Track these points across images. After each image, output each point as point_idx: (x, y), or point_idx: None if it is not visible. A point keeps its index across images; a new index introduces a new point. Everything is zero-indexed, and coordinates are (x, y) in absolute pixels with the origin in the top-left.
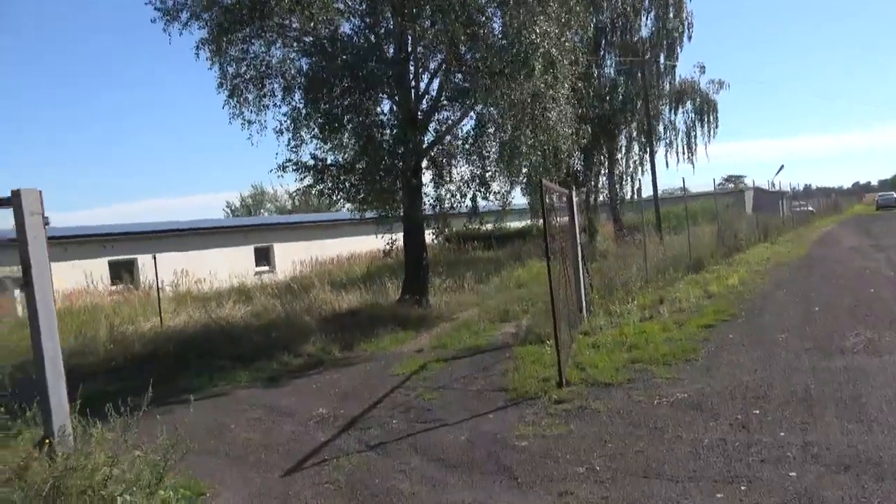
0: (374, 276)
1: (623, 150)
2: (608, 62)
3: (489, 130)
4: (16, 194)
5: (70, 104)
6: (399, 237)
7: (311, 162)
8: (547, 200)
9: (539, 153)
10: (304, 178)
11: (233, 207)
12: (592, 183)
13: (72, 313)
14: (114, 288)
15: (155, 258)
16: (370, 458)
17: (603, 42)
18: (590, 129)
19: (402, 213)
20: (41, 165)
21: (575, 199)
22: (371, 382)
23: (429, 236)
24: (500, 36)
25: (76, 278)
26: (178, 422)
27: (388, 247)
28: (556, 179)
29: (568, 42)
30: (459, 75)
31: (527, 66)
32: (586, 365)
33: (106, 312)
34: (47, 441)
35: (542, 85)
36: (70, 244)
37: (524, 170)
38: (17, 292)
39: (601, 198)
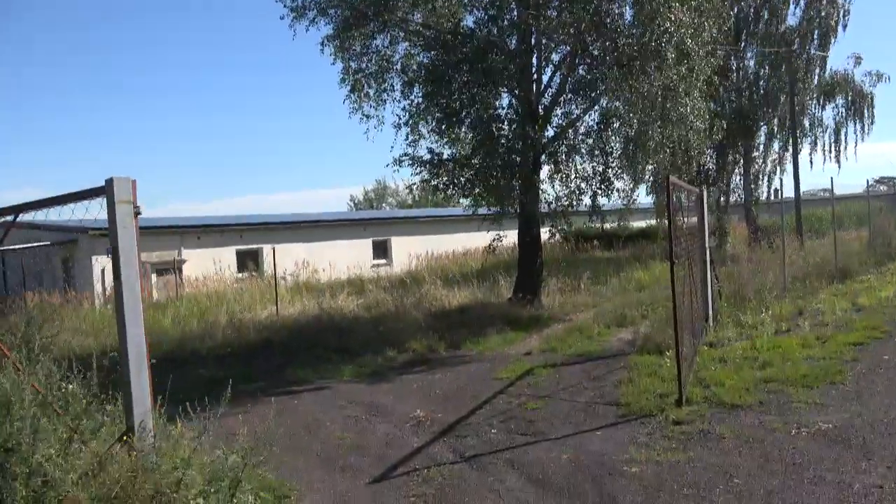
0: (489, 272)
1: (761, 148)
2: (748, 54)
3: (614, 125)
4: (109, 183)
5: (211, 99)
6: (508, 234)
7: (427, 156)
8: (674, 199)
9: (667, 149)
10: (420, 172)
11: (356, 201)
12: (724, 182)
13: (198, 299)
14: (239, 276)
15: (273, 249)
16: (463, 471)
17: (744, 32)
18: (724, 125)
19: (517, 210)
20: (183, 157)
21: (705, 199)
22: (473, 385)
23: (545, 234)
24: (630, 24)
25: (206, 266)
26: (280, 414)
27: (493, 243)
28: (685, 177)
29: (705, 32)
30: (584, 67)
31: (658, 56)
32: (710, 382)
33: (228, 299)
34: (125, 438)
35: (675, 77)
36: (203, 233)
37: (650, 167)
38: (154, 277)
39: (734, 198)
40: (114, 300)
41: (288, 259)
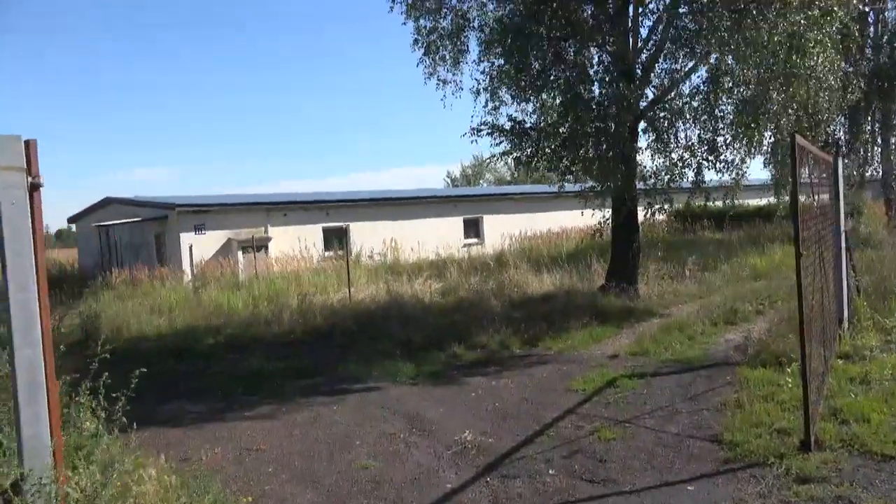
0: (582, 255)
1: None
2: (889, 3)
3: (724, 84)
4: None
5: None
6: (596, 213)
7: (508, 125)
8: (802, 169)
9: (790, 112)
10: (500, 143)
11: (452, 177)
12: (859, 153)
13: (274, 279)
14: (327, 254)
15: (348, 227)
16: None
17: None
18: (861, 84)
19: (610, 185)
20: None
21: (841, 170)
22: (541, 398)
23: (641, 213)
24: None
25: (292, 243)
26: (312, 423)
27: (599, 225)
28: (813, 145)
29: None
30: (689, 16)
31: None
32: (849, 414)
33: (303, 280)
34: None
35: (802, 21)
36: (289, 210)
37: (768, 134)
38: (240, 255)
39: (869, 172)
40: None
41: (375, 237)
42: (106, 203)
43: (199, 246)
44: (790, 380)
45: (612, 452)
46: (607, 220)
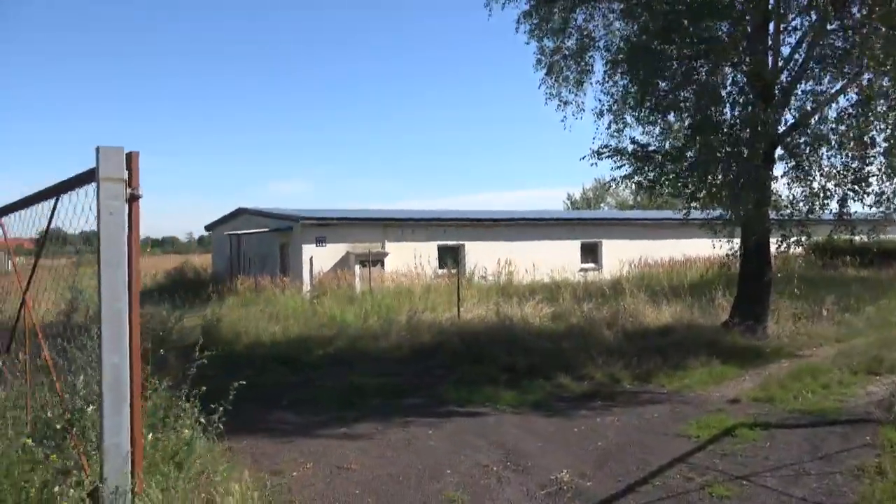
0: (706, 287)
1: None
2: None
3: (877, 108)
4: (98, 157)
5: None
6: (724, 244)
7: (630, 147)
8: None
9: None
10: (622, 166)
11: (573, 200)
12: None
13: (388, 294)
14: (441, 272)
15: (462, 247)
16: None
17: None
18: None
19: (740, 214)
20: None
21: None
22: (649, 440)
23: (774, 245)
24: None
25: (407, 259)
26: (406, 447)
27: (729, 256)
28: None
29: None
30: (839, 34)
31: None
32: None
33: (414, 296)
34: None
35: None
36: (407, 226)
37: None
38: (357, 268)
39: None
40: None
41: (489, 257)
42: (239, 213)
43: (319, 258)
44: None
45: None
46: (736, 251)
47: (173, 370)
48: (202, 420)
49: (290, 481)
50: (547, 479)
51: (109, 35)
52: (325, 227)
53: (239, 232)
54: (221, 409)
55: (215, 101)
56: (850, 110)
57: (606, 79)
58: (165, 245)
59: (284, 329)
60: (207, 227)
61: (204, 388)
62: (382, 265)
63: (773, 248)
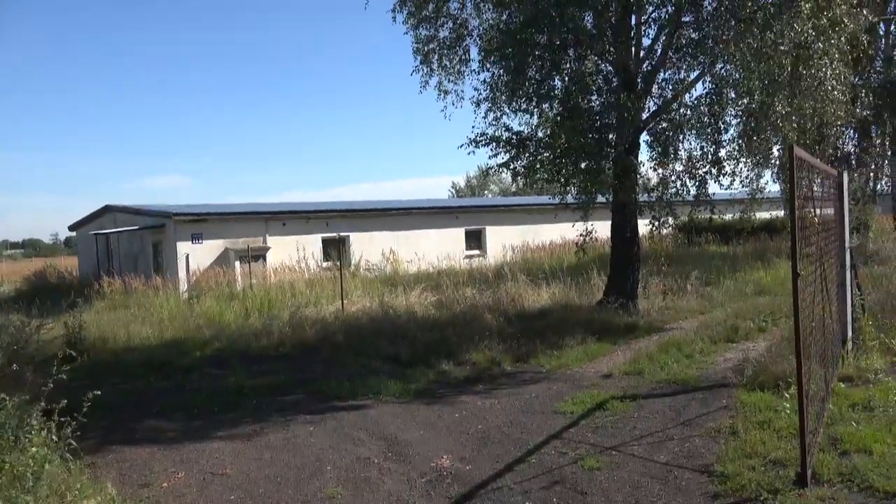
0: (584, 268)
1: None
2: None
3: (728, 95)
4: None
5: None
6: (601, 226)
7: (506, 136)
8: (804, 182)
9: (795, 125)
10: (497, 154)
11: (457, 188)
12: (872, 167)
13: (271, 290)
14: (325, 265)
15: (341, 238)
16: None
17: None
18: (871, 98)
19: (610, 198)
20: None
21: (846, 184)
22: (527, 420)
23: (644, 226)
24: None
25: (291, 254)
26: (284, 447)
27: (581, 238)
28: (820, 159)
29: None
30: (693, 25)
31: (790, 5)
32: (850, 445)
33: (298, 291)
34: None
35: (811, 31)
36: (289, 219)
37: (775, 147)
38: (237, 264)
39: (879, 186)
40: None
41: (374, 248)
42: (105, 211)
43: (195, 255)
44: (788, 405)
45: (594, 483)
46: (591, 232)
47: (30, 385)
48: (55, 437)
49: (158, 493)
50: (428, 467)
51: None
52: (202, 222)
53: (106, 231)
54: (74, 422)
55: (84, 96)
56: (705, 98)
57: (481, 68)
58: (27, 248)
59: (158, 332)
60: (72, 227)
61: (65, 401)
62: (264, 260)
63: (643, 228)
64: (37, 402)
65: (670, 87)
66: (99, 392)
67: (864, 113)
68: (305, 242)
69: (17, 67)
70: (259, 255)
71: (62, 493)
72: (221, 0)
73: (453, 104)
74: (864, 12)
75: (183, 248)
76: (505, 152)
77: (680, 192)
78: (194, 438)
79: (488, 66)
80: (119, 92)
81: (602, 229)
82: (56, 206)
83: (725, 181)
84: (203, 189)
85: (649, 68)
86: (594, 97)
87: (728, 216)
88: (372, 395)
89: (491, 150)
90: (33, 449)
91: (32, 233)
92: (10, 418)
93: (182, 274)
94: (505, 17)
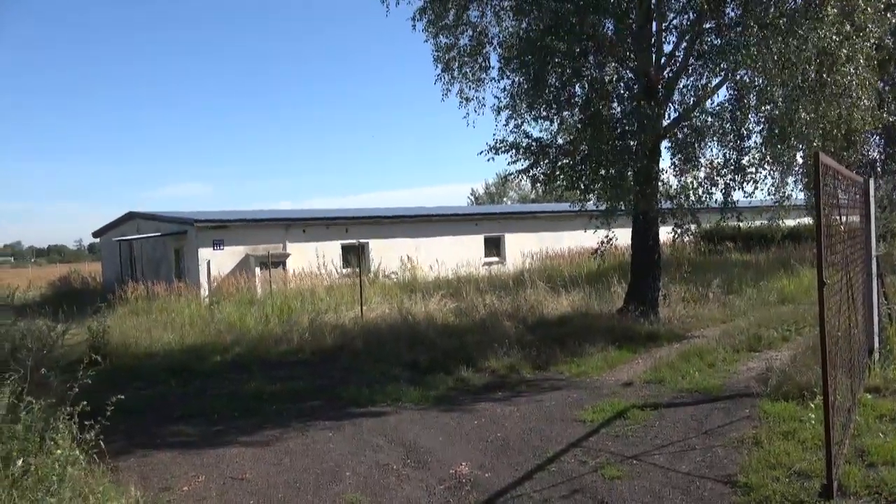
0: (604, 275)
1: None
2: None
3: (751, 102)
4: None
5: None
6: (618, 233)
7: (525, 142)
8: (829, 189)
9: (820, 131)
10: (517, 160)
11: (476, 195)
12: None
13: (291, 295)
14: (345, 271)
15: (365, 245)
16: None
17: None
18: None
19: (631, 205)
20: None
21: (872, 191)
22: (546, 428)
23: (665, 233)
24: None
25: (310, 260)
26: (304, 452)
27: (599, 246)
28: (845, 166)
29: None
30: (714, 32)
31: (815, 12)
32: (877, 457)
33: (318, 297)
34: None
35: (834, 37)
36: (308, 226)
37: (799, 154)
38: (258, 270)
39: None
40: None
41: (394, 255)
42: (129, 217)
43: (216, 262)
44: (813, 415)
45: (615, 493)
46: (611, 240)
47: (56, 389)
48: (80, 439)
49: (179, 497)
50: (447, 474)
51: None
52: (223, 229)
53: (129, 237)
54: (98, 426)
55: (107, 104)
56: (727, 104)
57: (501, 75)
58: (52, 254)
59: (180, 337)
60: (95, 234)
61: (84, 404)
62: (284, 266)
63: (665, 236)
64: (62, 406)
65: (692, 93)
66: (122, 396)
67: (891, 118)
68: (325, 249)
69: (39, 71)
70: (279, 261)
71: (85, 496)
72: (248, 7)
73: (475, 111)
74: (889, 16)
75: (204, 254)
76: (524, 159)
77: (703, 199)
78: (214, 443)
79: (508, 73)
80: (140, 100)
81: (622, 236)
82: (78, 214)
83: (749, 188)
84: (223, 197)
85: (670, 75)
86: (615, 104)
87: (755, 223)
88: (391, 402)
89: (511, 156)
90: (58, 451)
91: (57, 239)
92: (36, 421)
93: (203, 280)
94: (525, 24)
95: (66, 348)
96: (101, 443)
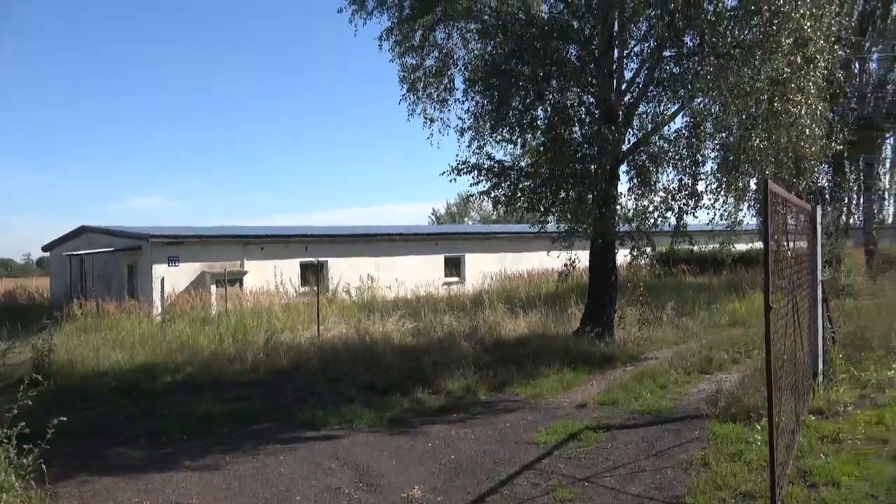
0: (561, 297)
1: (887, 164)
2: (873, 55)
3: (706, 129)
4: None
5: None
6: (581, 255)
7: (487, 164)
8: (777, 216)
9: (772, 159)
10: (479, 182)
11: (438, 215)
12: (845, 202)
13: (247, 314)
14: (304, 290)
15: (324, 263)
16: None
17: (869, 29)
18: (846, 133)
19: (589, 228)
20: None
21: (819, 218)
22: (500, 450)
23: (621, 256)
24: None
25: (268, 278)
26: (254, 476)
27: (565, 268)
28: (793, 193)
29: (825, 17)
30: (673, 60)
31: (771, 43)
32: (818, 477)
33: (274, 316)
34: None
35: (786, 68)
36: (267, 243)
37: (752, 181)
38: (213, 288)
39: (852, 220)
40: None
41: (353, 274)
42: (81, 231)
43: (171, 278)
44: (759, 437)
45: None
46: (574, 261)
47: None
48: (22, 463)
49: None
50: (399, 498)
51: None
52: (179, 245)
53: (80, 252)
54: (38, 449)
55: (62, 113)
56: (684, 131)
57: (466, 97)
58: None
59: (130, 356)
60: (45, 248)
61: (26, 428)
62: (241, 284)
63: (621, 258)
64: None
65: (650, 119)
66: (65, 418)
67: (838, 148)
68: (283, 267)
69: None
70: (236, 278)
71: None
72: (200, 21)
73: (439, 132)
74: (838, 49)
75: (159, 270)
76: (486, 180)
77: (657, 223)
78: (161, 467)
79: (472, 95)
80: (102, 112)
81: (581, 258)
82: (35, 227)
83: (702, 214)
84: (187, 212)
85: (630, 101)
86: (576, 128)
87: (707, 247)
88: (345, 424)
89: (473, 177)
90: None
91: (4, 253)
92: None
93: (157, 297)
94: (490, 47)
95: (7, 367)
96: (43, 467)
